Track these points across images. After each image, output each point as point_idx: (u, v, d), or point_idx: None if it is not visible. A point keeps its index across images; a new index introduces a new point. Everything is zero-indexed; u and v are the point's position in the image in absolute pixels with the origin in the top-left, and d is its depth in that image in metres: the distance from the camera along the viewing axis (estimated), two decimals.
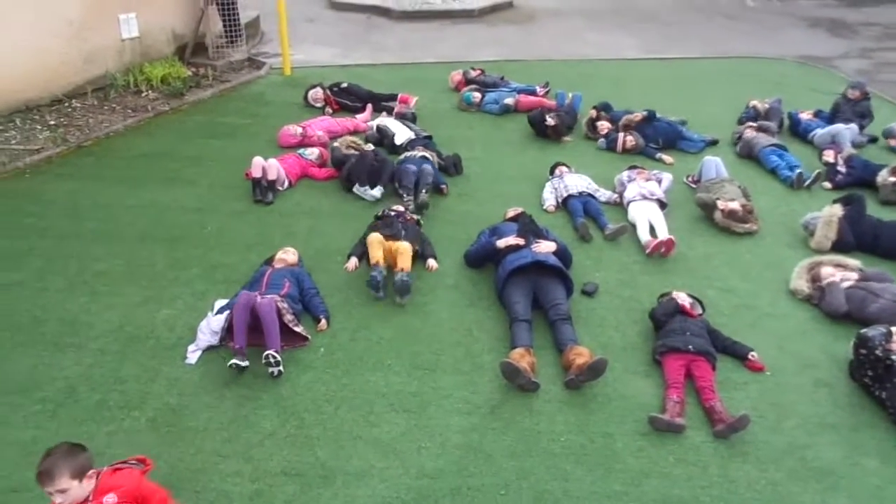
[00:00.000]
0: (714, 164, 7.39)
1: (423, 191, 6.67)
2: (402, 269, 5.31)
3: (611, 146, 8.35)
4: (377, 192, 6.94)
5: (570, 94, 9.48)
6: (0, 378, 4.49)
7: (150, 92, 9.92)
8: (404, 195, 6.66)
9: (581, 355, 4.61)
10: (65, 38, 9.05)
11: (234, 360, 4.47)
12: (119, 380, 4.55)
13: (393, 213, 6.12)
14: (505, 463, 3.95)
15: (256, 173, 6.99)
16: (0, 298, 5.28)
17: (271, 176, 7.03)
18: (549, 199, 6.99)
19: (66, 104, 9.23)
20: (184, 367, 4.68)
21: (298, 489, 3.76)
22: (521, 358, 4.47)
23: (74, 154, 7.95)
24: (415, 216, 6.29)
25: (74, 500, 3.06)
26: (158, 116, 9.20)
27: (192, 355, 4.77)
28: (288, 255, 5.56)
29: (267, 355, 4.51)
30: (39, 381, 4.50)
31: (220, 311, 5.07)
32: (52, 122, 8.69)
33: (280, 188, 7.15)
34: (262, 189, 6.96)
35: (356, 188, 6.99)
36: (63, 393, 4.41)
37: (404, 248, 5.49)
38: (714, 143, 8.58)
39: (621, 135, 8.34)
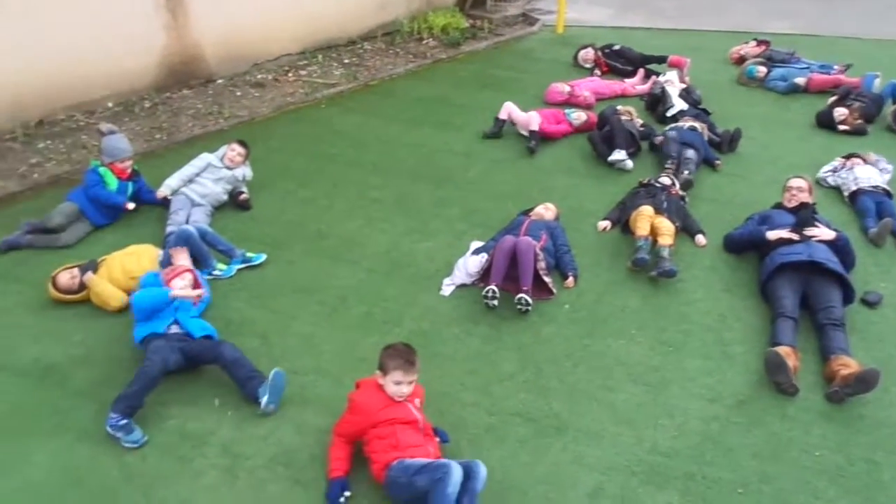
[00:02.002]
0: None
1: (687, 170, 6.36)
2: (670, 247, 5.20)
3: None
4: (620, 155, 6.72)
5: (877, 79, 8.31)
6: (291, 278, 5.19)
7: (430, 40, 10.54)
8: (667, 163, 6.41)
9: (847, 366, 4.16)
10: None
11: (488, 298, 4.72)
12: (383, 297, 5.01)
13: (658, 186, 5.92)
14: (746, 461, 3.72)
15: (503, 115, 7.37)
16: (296, 211, 6.06)
17: (532, 126, 7.19)
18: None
19: (359, 45, 10.16)
20: (438, 297, 5.03)
21: (531, 433, 3.89)
22: (787, 356, 4.14)
23: (362, 91, 8.75)
24: (680, 192, 6.03)
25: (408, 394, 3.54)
26: (436, 63, 9.76)
27: (447, 288, 5.10)
28: (547, 212, 5.65)
29: (520, 298, 4.71)
30: (319, 286, 5.12)
31: (476, 252, 5.34)
32: (347, 61, 9.63)
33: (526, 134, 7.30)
34: (499, 127, 7.40)
35: (610, 159, 6.82)
36: (337, 299, 4.98)
37: (667, 227, 5.32)
38: None
39: None
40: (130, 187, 5.77)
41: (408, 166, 6.86)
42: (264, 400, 3.89)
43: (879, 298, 4.94)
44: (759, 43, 9.85)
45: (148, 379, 3.80)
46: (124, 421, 3.70)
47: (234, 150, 6.02)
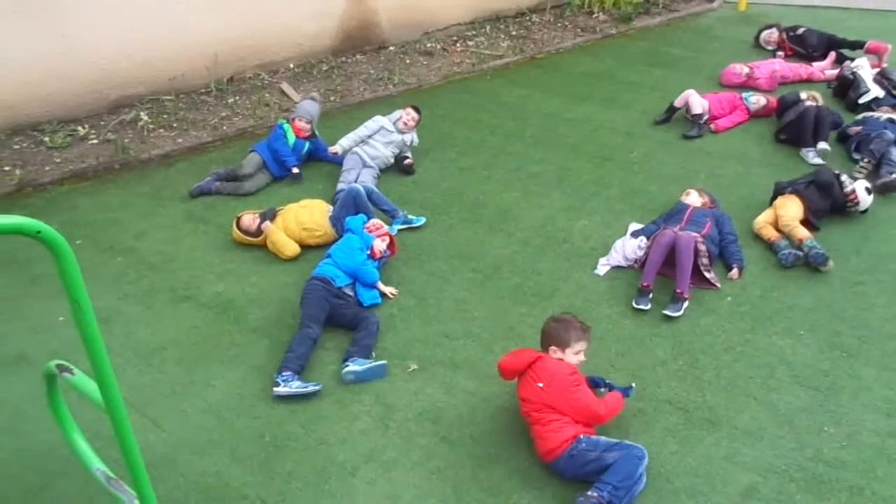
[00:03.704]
0: None
1: (889, 168, 5.75)
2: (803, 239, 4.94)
3: None
4: (822, 148, 6.21)
5: None
6: (447, 243, 5.33)
7: (600, 14, 10.27)
8: (864, 159, 5.85)
9: None
10: None
11: (637, 303, 4.59)
12: (535, 271, 5.03)
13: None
14: None
15: (679, 103, 7.02)
16: (456, 179, 6.20)
17: (695, 110, 6.84)
18: None
19: (528, 17, 10.09)
20: (592, 276, 4.97)
21: (681, 422, 3.78)
22: None
23: (527, 64, 8.71)
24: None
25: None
26: (605, 39, 9.51)
27: (602, 268, 5.02)
28: (690, 198, 5.36)
29: (669, 307, 4.53)
30: (474, 253, 5.22)
31: (634, 234, 5.20)
32: (514, 33, 9.62)
33: (701, 123, 6.89)
34: (670, 113, 7.06)
35: (802, 151, 6.35)
36: (490, 268, 5.06)
37: (791, 216, 5.12)
38: None
39: None
40: (306, 146, 6.20)
41: (569, 142, 6.78)
42: (353, 367, 4.01)
43: None
44: None
45: (312, 343, 4.16)
46: (297, 375, 3.97)
47: (409, 115, 6.24)
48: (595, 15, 10.22)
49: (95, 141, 6.67)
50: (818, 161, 6.20)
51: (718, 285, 4.77)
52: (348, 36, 8.56)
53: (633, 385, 3.82)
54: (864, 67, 7.49)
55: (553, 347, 3.58)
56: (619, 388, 3.76)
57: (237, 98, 7.55)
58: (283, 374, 3.93)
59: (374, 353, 4.21)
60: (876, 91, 7.09)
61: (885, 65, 7.82)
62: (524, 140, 6.83)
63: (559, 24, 9.95)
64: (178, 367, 4.20)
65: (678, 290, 4.56)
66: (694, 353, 4.27)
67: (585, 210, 5.72)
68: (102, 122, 6.92)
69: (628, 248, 5.08)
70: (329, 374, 4.12)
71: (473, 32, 9.50)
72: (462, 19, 9.51)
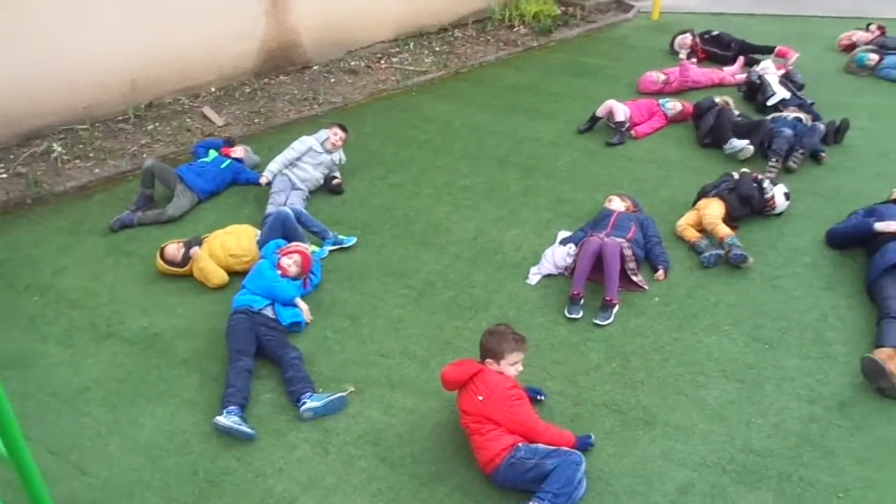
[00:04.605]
0: None
1: (794, 160, 6.04)
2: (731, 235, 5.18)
3: None
4: (740, 143, 6.45)
5: None
6: (379, 261, 5.30)
7: (521, 27, 10.46)
8: (772, 159, 6.12)
9: None
10: None
11: (570, 312, 4.66)
12: (469, 283, 5.05)
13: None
14: (849, 466, 3.55)
15: (601, 113, 7.15)
16: (385, 196, 6.17)
17: (618, 118, 7.01)
18: None
19: (450, 33, 10.18)
20: (524, 285, 5.02)
21: (617, 424, 3.85)
22: (889, 359, 3.91)
23: (452, 79, 8.79)
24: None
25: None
26: (526, 51, 9.68)
27: (534, 277, 5.08)
28: (613, 204, 5.49)
29: (598, 316, 4.63)
30: (407, 270, 5.20)
31: (563, 242, 5.29)
32: (437, 49, 9.68)
33: (623, 130, 7.08)
34: (592, 123, 7.20)
35: (725, 147, 6.58)
36: (424, 284, 5.05)
37: (713, 216, 5.35)
38: None
39: None
40: (228, 161, 6.27)
41: (496, 154, 6.86)
42: (312, 403, 3.89)
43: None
44: (878, 28, 9.23)
45: (248, 374, 4.08)
46: (242, 409, 3.87)
47: (337, 135, 6.17)
48: (516, 28, 10.40)
49: (4, 175, 6.36)
50: (739, 145, 6.41)
51: (646, 287, 4.90)
52: (270, 57, 8.46)
53: (592, 436, 3.72)
54: (769, 71, 7.85)
55: (489, 360, 3.60)
56: (578, 436, 3.65)
57: (157, 124, 7.34)
58: (229, 408, 3.82)
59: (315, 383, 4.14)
60: (782, 93, 7.43)
61: (790, 67, 8.22)
62: (452, 154, 6.87)
63: (481, 39, 10.07)
64: (103, 408, 4.03)
65: (607, 298, 4.66)
66: (626, 355, 4.36)
67: (515, 220, 5.79)
68: (12, 156, 6.61)
69: (558, 255, 5.15)
70: (264, 404, 4.02)
71: (397, 49, 9.52)
72: (385, 37, 9.52)
